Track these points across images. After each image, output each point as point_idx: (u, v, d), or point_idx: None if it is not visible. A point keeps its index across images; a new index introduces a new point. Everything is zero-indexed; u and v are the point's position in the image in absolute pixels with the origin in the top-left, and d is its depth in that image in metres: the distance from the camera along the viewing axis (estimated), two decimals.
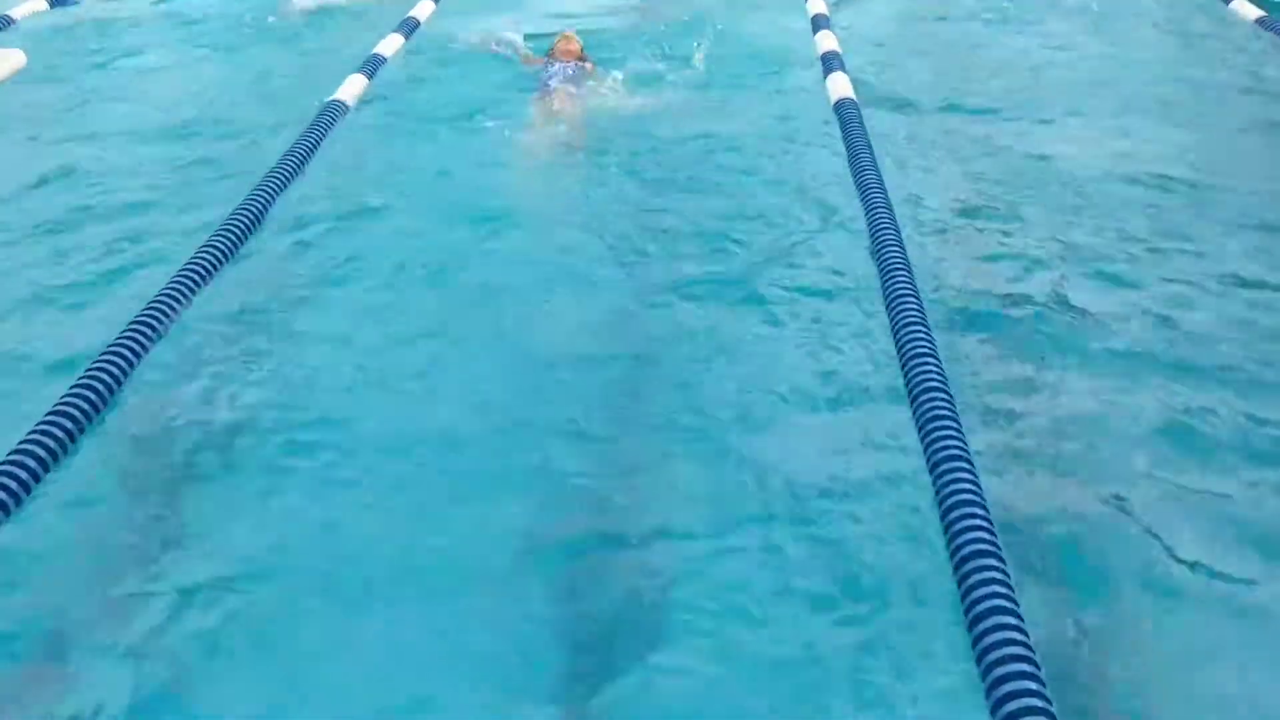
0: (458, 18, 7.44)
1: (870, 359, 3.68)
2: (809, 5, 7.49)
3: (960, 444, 3.10)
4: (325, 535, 2.96)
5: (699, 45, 6.61)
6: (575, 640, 2.66)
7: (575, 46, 6.28)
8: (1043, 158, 5.32)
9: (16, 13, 7.60)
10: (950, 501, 2.89)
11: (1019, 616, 2.52)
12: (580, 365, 3.70)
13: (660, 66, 6.43)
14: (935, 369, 3.45)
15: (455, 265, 4.34)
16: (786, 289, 4.13)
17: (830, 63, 6.36)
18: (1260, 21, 7.14)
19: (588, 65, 6.22)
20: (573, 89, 5.93)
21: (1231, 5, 7.47)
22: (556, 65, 6.13)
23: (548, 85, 5.94)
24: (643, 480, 3.20)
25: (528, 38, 6.73)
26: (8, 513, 2.96)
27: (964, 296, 4.12)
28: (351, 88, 6.08)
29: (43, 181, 5.11)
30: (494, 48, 6.43)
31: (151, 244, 4.51)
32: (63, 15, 7.80)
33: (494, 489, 3.13)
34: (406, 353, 3.77)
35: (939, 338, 3.67)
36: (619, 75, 6.14)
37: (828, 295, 4.11)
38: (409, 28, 7.22)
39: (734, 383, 3.59)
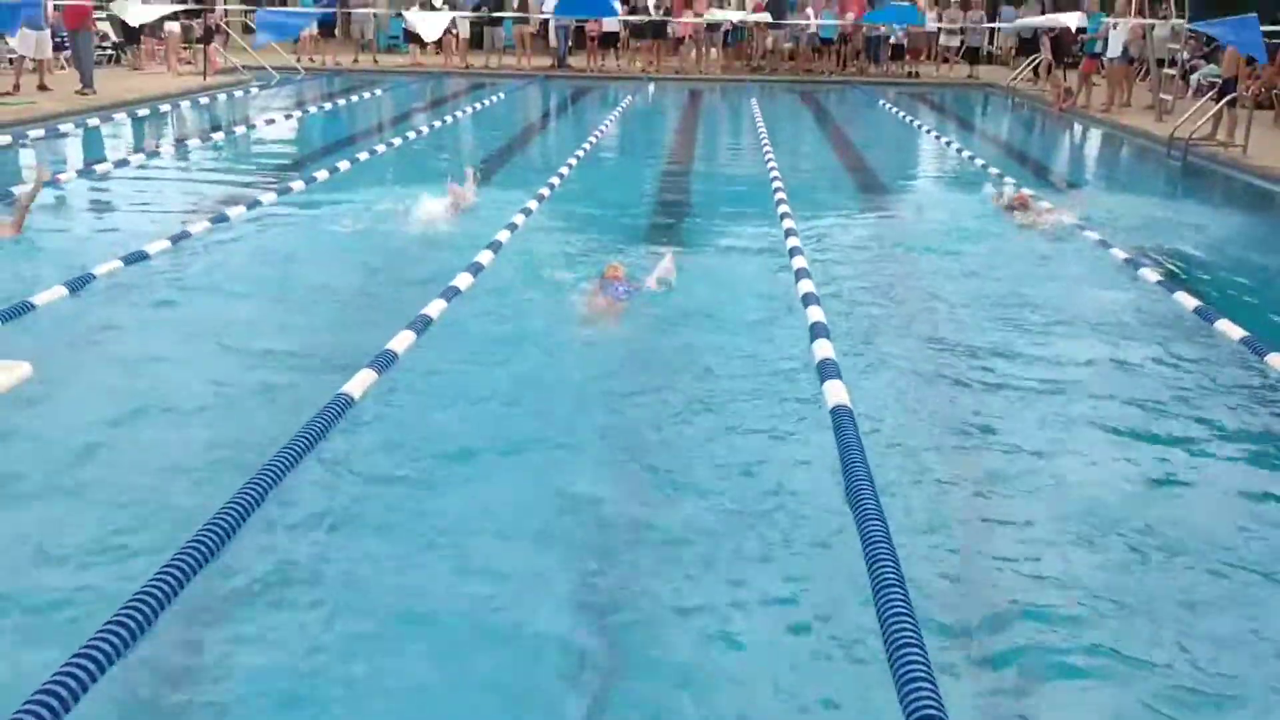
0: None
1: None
2: (808, 312, 7.80)
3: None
4: None
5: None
6: None
7: (620, 272, 8.65)
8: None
9: (38, 300, 7.71)
10: None
11: None
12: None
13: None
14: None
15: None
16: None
17: (827, 369, 6.49)
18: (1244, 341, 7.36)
19: (631, 285, 8.51)
20: (617, 301, 8.25)
21: (1217, 325, 7.72)
22: (607, 284, 8.46)
23: (602, 296, 8.29)
24: None
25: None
26: None
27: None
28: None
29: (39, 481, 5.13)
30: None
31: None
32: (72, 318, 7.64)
33: None
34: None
35: None
36: (651, 295, 8.40)
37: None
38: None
39: None
